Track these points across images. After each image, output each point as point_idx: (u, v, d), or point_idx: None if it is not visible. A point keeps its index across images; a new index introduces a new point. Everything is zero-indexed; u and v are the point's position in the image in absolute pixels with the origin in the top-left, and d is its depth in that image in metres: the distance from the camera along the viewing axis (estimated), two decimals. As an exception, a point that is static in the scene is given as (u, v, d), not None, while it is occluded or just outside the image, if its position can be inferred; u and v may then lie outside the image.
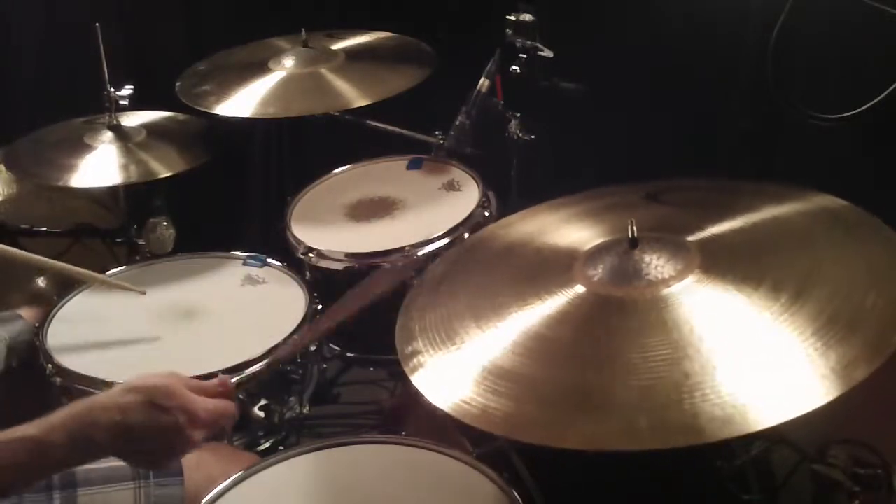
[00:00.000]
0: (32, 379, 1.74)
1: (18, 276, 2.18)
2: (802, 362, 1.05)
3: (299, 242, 2.01)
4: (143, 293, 1.88)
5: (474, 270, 1.47)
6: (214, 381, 1.33)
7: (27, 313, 1.88)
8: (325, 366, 1.98)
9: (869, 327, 1.08)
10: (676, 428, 1.02)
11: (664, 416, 1.04)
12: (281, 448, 1.73)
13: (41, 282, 2.13)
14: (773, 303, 1.14)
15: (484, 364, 1.19)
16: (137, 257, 2.20)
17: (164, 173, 2.13)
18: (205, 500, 1.33)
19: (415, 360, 1.26)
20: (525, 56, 2.10)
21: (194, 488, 1.42)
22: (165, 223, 2.15)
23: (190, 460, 1.44)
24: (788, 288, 1.15)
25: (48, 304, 1.90)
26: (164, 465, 1.33)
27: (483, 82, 2.13)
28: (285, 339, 1.72)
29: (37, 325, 1.82)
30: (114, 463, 1.39)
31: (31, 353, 1.77)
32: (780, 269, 1.20)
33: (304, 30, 2.37)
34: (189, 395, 1.24)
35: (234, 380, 1.34)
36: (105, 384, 1.63)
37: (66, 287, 1.94)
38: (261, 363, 1.67)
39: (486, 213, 2.03)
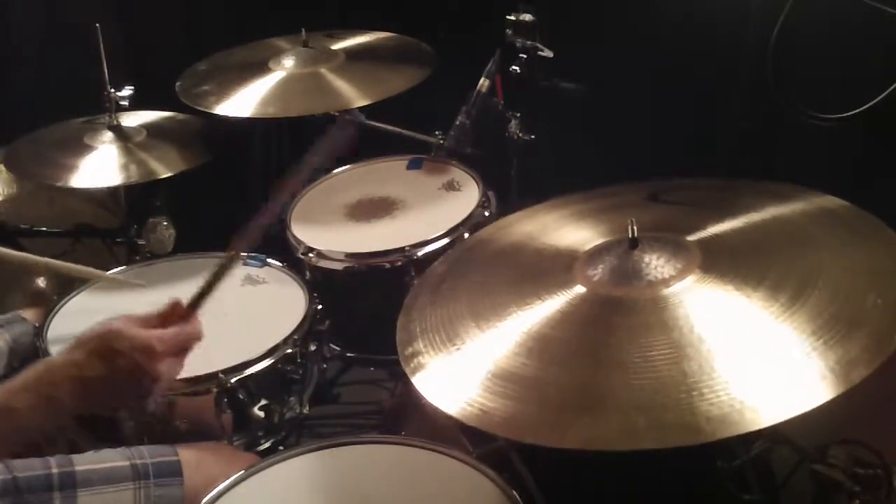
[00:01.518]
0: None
1: (18, 276, 2.18)
2: (802, 362, 1.06)
3: (299, 242, 2.01)
4: (143, 285, 1.88)
5: (475, 270, 1.47)
6: (164, 307, 1.33)
7: (28, 315, 1.88)
8: (325, 366, 1.97)
9: (869, 327, 1.08)
10: (676, 427, 1.02)
11: (663, 416, 1.04)
12: (281, 448, 1.72)
13: (41, 282, 2.12)
14: (773, 303, 1.14)
15: (484, 364, 1.19)
16: (137, 257, 2.20)
17: (164, 173, 2.13)
18: (205, 501, 1.33)
19: (415, 361, 1.26)
20: (525, 56, 2.11)
21: (194, 488, 1.42)
22: (165, 223, 2.15)
23: (190, 460, 1.45)
24: (788, 288, 1.15)
25: (48, 304, 1.90)
26: (139, 405, 1.32)
27: (483, 82, 2.13)
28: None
29: (37, 324, 1.82)
30: (114, 463, 1.39)
31: (33, 354, 1.77)
32: (779, 269, 1.20)
33: (304, 30, 2.37)
34: (140, 332, 1.25)
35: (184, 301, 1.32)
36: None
37: (65, 287, 1.94)
38: (261, 363, 1.67)
39: (486, 213, 2.03)
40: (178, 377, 1.60)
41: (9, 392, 1.20)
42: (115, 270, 2.02)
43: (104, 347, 1.24)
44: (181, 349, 1.30)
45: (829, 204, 1.35)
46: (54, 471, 1.37)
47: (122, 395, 1.26)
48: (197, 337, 1.32)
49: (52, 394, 1.20)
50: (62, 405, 1.22)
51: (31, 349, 1.79)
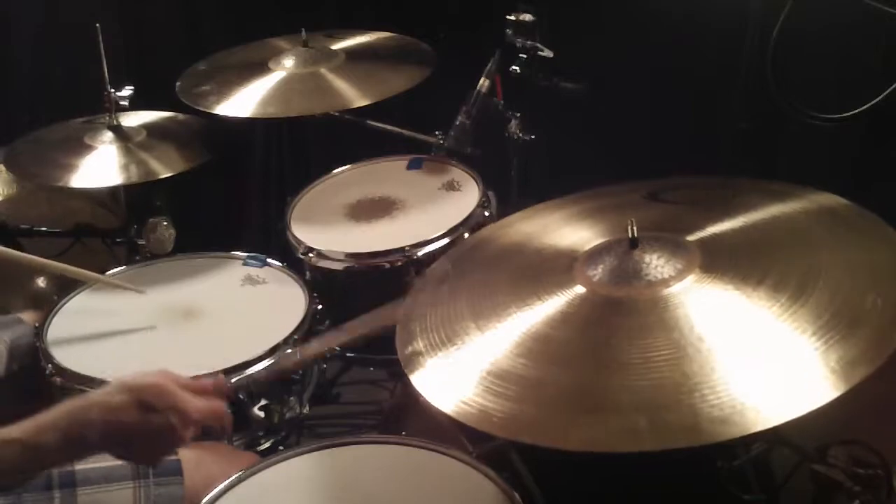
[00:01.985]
0: (33, 382, 1.74)
1: (18, 276, 2.18)
2: (803, 362, 1.05)
3: (299, 242, 2.01)
4: (143, 292, 1.88)
5: (475, 270, 1.47)
6: (209, 380, 1.34)
7: (27, 316, 1.88)
8: (325, 366, 1.97)
9: (869, 327, 1.07)
10: (676, 428, 1.02)
11: (664, 417, 1.04)
12: (281, 448, 1.73)
13: (41, 282, 2.13)
14: (774, 302, 1.14)
15: (484, 365, 1.19)
16: (137, 257, 2.20)
17: (164, 173, 2.13)
18: (205, 501, 1.33)
19: (415, 361, 1.26)
20: (525, 56, 2.11)
21: (194, 488, 1.42)
22: (165, 223, 2.15)
23: (190, 460, 1.45)
24: (789, 287, 1.15)
25: (48, 304, 1.90)
26: (154, 462, 1.34)
27: (483, 82, 2.13)
28: (290, 347, 1.73)
29: (36, 325, 1.82)
30: (113, 462, 1.39)
31: (32, 356, 1.77)
32: (780, 268, 1.20)
33: (304, 30, 2.37)
34: (180, 395, 1.25)
35: (232, 381, 1.34)
36: (105, 384, 1.63)
37: (65, 287, 1.94)
38: (261, 363, 1.68)
39: (486, 213, 2.03)
40: None
41: (38, 428, 1.19)
42: (114, 270, 2.02)
43: (145, 399, 1.23)
44: (207, 424, 1.30)
45: (829, 202, 1.35)
46: (54, 470, 1.37)
47: (146, 449, 1.26)
48: (224, 421, 1.33)
49: (84, 434, 1.20)
50: (90, 446, 1.23)
51: (29, 351, 1.78)
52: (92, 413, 1.21)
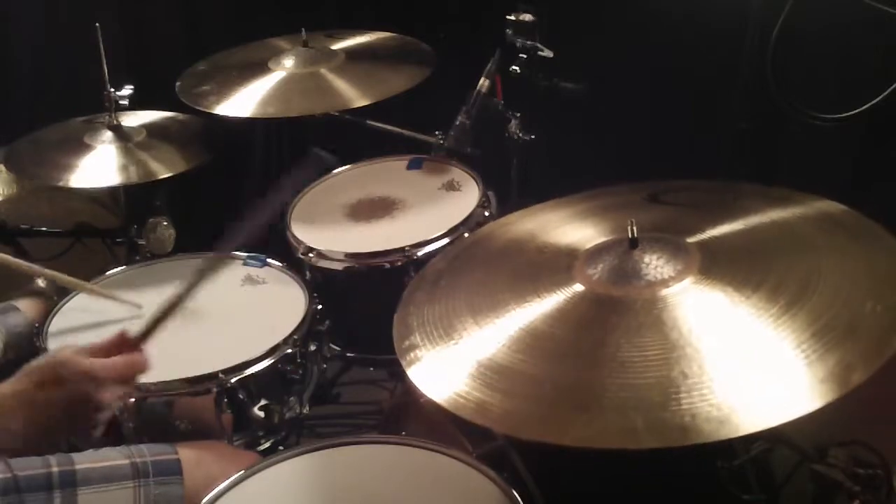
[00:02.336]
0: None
1: (17, 275, 2.18)
2: (800, 365, 1.05)
3: (299, 242, 2.01)
4: (140, 307, 1.87)
5: (474, 267, 1.47)
6: (111, 337, 1.37)
7: (24, 305, 1.87)
8: (325, 366, 1.97)
9: (867, 331, 1.07)
10: (673, 427, 1.02)
11: (661, 416, 1.04)
12: (281, 448, 1.72)
13: (41, 282, 2.12)
14: (772, 305, 1.14)
15: (481, 360, 1.19)
16: (137, 257, 2.20)
17: (164, 173, 2.13)
18: (205, 500, 1.33)
19: (412, 354, 1.26)
20: (525, 56, 2.11)
21: (194, 488, 1.42)
22: (165, 223, 2.15)
23: (190, 459, 1.45)
24: (787, 291, 1.15)
25: (48, 303, 1.90)
26: (84, 432, 1.35)
27: (483, 82, 2.13)
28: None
29: (37, 324, 1.82)
30: (114, 462, 1.39)
31: (28, 345, 1.77)
32: (779, 272, 1.20)
33: (304, 30, 2.37)
34: (84, 361, 1.29)
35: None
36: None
37: (65, 287, 1.93)
38: (260, 363, 1.68)
39: (486, 213, 2.03)
40: (177, 378, 1.62)
41: None
42: (114, 270, 2.02)
43: (50, 375, 1.27)
44: (126, 378, 1.34)
45: (828, 208, 1.35)
46: (54, 469, 1.37)
47: (69, 421, 1.29)
48: (143, 367, 1.37)
49: (4, 424, 1.24)
50: (14, 433, 1.26)
51: (25, 340, 1.78)
52: (5, 403, 1.25)
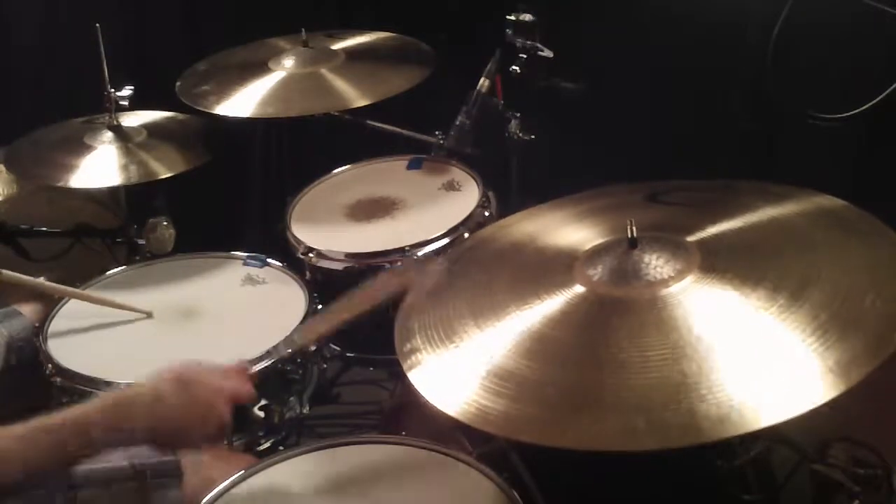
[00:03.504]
0: (32, 376, 1.74)
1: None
2: (801, 362, 1.05)
3: (299, 242, 2.01)
4: (149, 315, 1.87)
5: (474, 270, 1.47)
6: (232, 364, 1.43)
7: (27, 309, 1.87)
8: (325, 366, 1.97)
9: (868, 327, 1.08)
10: (675, 427, 1.02)
11: (663, 416, 1.04)
12: (281, 448, 1.72)
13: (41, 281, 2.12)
14: (772, 303, 1.14)
15: (482, 363, 1.19)
16: (137, 257, 2.20)
17: (164, 173, 2.13)
18: (205, 501, 1.33)
19: (413, 358, 1.26)
20: (525, 56, 2.10)
21: (192, 490, 1.42)
22: (165, 223, 2.15)
23: (189, 462, 1.45)
24: (787, 288, 1.15)
25: (48, 303, 1.89)
26: (199, 443, 1.37)
27: (483, 82, 2.13)
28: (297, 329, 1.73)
29: (37, 325, 1.82)
30: (113, 463, 1.39)
31: (31, 350, 1.77)
32: (778, 269, 1.20)
33: (304, 30, 2.37)
34: (211, 371, 1.36)
35: (253, 368, 1.37)
36: (106, 384, 1.63)
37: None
38: (260, 363, 1.68)
39: (486, 213, 2.03)
40: None
41: (85, 412, 1.27)
42: (114, 271, 2.02)
43: (182, 381, 1.31)
44: (239, 398, 1.39)
45: (827, 204, 1.35)
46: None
47: (191, 431, 1.32)
48: (251, 397, 1.42)
49: (128, 416, 1.28)
50: (135, 431, 1.29)
51: (28, 344, 1.78)
52: (135, 399, 1.29)
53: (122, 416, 1.27)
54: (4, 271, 1.77)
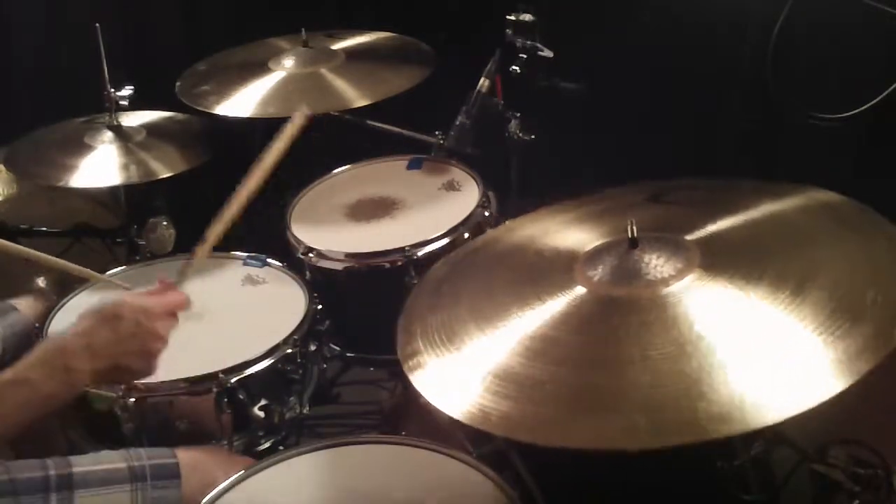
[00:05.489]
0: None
1: (18, 275, 2.18)
2: (802, 359, 1.05)
3: (299, 242, 2.01)
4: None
5: (475, 273, 1.47)
6: (156, 284, 1.46)
7: (23, 304, 1.87)
8: (325, 366, 1.97)
9: (869, 323, 1.07)
10: (676, 426, 1.02)
11: (664, 415, 1.04)
12: (281, 448, 1.72)
13: (41, 281, 2.12)
14: (773, 300, 1.14)
15: (483, 365, 1.19)
16: (137, 257, 2.20)
17: (164, 173, 2.13)
18: (204, 501, 1.33)
19: (414, 361, 1.26)
20: (525, 56, 2.11)
21: (190, 491, 1.42)
22: (165, 223, 2.15)
23: (187, 464, 1.45)
24: (788, 285, 1.15)
25: (47, 303, 1.89)
26: (146, 370, 1.39)
27: (483, 82, 2.13)
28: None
29: (37, 324, 1.82)
30: (111, 465, 1.40)
31: (27, 346, 1.77)
32: (779, 266, 1.20)
33: (304, 30, 2.37)
34: (137, 297, 1.39)
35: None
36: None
37: (66, 286, 1.93)
38: (261, 363, 1.68)
39: (486, 213, 2.02)
40: (177, 378, 1.63)
41: (25, 365, 1.29)
42: (114, 271, 2.02)
43: (107, 314, 1.34)
44: (173, 311, 1.42)
45: (827, 199, 1.35)
46: (52, 472, 1.37)
47: (129, 356, 1.35)
48: (185, 303, 1.45)
49: (67, 363, 1.29)
50: (77, 374, 1.30)
51: (24, 340, 1.78)
52: (68, 344, 1.31)
53: (61, 364, 1.29)
54: None
